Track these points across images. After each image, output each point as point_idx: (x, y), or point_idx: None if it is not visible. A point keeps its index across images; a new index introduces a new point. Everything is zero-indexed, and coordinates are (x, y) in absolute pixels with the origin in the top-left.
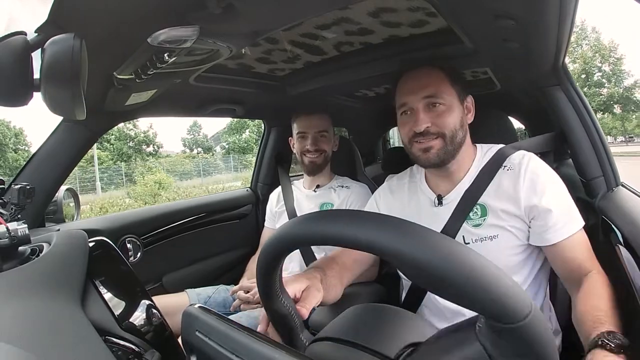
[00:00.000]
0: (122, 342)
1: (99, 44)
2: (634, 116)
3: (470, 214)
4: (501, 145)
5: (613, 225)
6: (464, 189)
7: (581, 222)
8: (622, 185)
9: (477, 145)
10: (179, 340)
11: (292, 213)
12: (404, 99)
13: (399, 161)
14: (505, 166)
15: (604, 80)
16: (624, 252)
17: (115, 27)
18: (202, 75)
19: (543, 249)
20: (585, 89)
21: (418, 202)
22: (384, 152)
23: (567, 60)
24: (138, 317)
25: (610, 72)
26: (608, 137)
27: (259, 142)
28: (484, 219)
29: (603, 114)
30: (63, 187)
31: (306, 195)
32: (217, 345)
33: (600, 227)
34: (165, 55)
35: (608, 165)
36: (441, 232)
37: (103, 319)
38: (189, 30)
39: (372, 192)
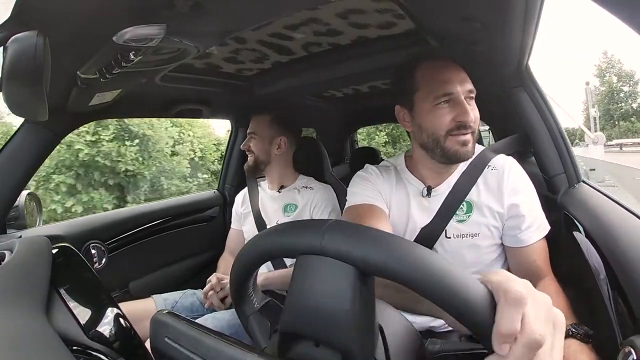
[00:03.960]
0: (89, 352)
1: (62, 41)
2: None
3: (457, 209)
4: (482, 147)
5: (575, 220)
6: (453, 183)
7: (547, 228)
8: (584, 182)
9: None
10: (148, 347)
11: (257, 214)
12: (448, 88)
13: (367, 161)
14: (489, 166)
15: (623, 98)
16: (585, 245)
17: (80, 24)
18: (168, 75)
19: (507, 249)
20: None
21: (406, 190)
22: (351, 152)
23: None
24: (105, 325)
25: (628, 93)
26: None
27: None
28: (469, 216)
29: (624, 121)
30: (24, 192)
31: (270, 196)
32: (187, 351)
33: (563, 222)
34: (131, 54)
35: (569, 163)
36: (429, 224)
37: (69, 329)
38: (155, 28)
39: (337, 193)
